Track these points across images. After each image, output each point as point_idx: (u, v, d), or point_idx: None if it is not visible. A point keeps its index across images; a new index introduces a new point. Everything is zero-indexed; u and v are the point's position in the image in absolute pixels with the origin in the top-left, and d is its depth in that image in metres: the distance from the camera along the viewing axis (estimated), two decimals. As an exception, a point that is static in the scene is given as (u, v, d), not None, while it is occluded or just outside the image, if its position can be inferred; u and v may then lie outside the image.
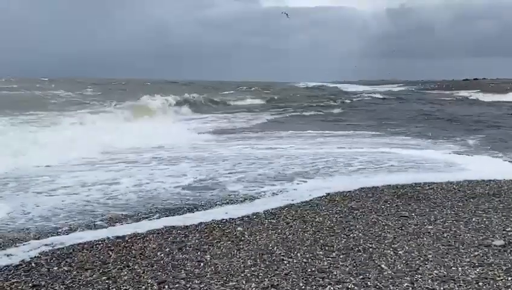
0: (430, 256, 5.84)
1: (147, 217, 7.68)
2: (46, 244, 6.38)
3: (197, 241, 6.46)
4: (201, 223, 7.29)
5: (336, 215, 7.56)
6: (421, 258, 5.76)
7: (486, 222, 7.19)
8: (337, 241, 6.38)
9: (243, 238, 6.56)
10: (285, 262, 5.69)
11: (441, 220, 7.29)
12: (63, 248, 6.25)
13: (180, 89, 54.47)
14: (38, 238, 6.65)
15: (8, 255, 5.98)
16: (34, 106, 28.43)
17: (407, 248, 6.12)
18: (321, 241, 6.38)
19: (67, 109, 28.72)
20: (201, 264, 5.66)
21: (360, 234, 6.64)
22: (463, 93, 67.42)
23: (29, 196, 9.08)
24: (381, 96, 59.42)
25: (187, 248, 6.21)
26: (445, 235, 6.62)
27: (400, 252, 5.97)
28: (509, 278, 5.18)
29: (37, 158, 12.36)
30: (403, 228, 6.95)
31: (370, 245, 6.21)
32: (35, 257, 5.96)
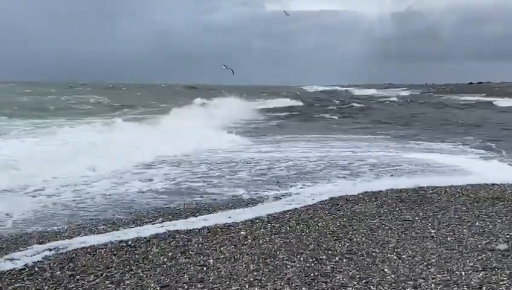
0: (434, 260, 5.82)
1: (150, 221, 7.68)
2: (49, 249, 6.39)
3: (200, 245, 6.46)
4: (204, 227, 7.29)
5: (339, 220, 7.55)
6: (425, 263, 5.75)
7: (490, 226, 7.17)
8: (340, 245, 6.37)
9: (246, 242, 6.56)
10: (288, 266, 5.68)
11: (445, 224, 7.28)
12: (66, 252, 6.25)
13: (208, 93, 54.63)
14: (41, 243, 6.65)
15: (11, 260, 5.99)
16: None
17: (410, 252, 6.11)
18: (324, 245, 6.38)
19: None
20: (205, 268, 5.66)
21: (363, 239, 6.64)
22: (473, 97, 67.14)
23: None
24: (396, 100, 59.48)
25: (190, 252, 6.21)
26: (448, 239, 6.61)
27: (403, 256, 5.96)
28: (513, 283, 5.17)
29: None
30: (406, 232, 6.94)
31: (373, 249, 6.20)
32: (38, 261, 5.96)
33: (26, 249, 6.40)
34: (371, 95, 79.57)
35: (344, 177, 11.25)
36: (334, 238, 6.67)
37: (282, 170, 12.32)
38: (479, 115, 36.94)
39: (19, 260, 5.99)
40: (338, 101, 56.11)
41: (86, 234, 7.06)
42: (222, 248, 6.33)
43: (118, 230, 7.24)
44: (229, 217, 7.79)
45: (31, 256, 6.12)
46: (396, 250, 6.18)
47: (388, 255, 6.01)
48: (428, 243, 6.46)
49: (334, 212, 7.97)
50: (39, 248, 6.42)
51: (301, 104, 50.57)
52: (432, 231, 6.98)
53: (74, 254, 6.18)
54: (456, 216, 7.73)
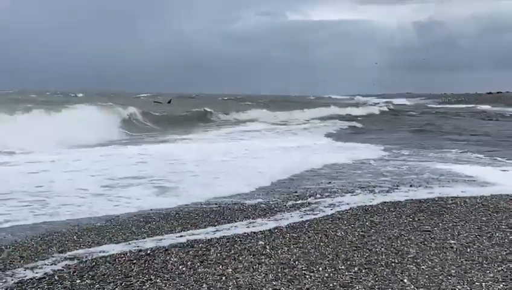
0: (453, 271, 5.79)
1: (169, 231, 7.70)
2: (69, 257, 6.43)
3: (218, 254, 6.47)
4: (223, 236, 7.30)
5: (358, 230, 7.53)
6: (444, 273, 5.72)
7: (510, 237, 7.12)
8: (359, 255, 6.35)
9: (264, 252, 6.56)
10: (307, 276, 5.68)
11: (464, 235, 7.24)
12: (86, 261, 6.29)
13: (253, 105, 55.91)
14: (61, 252, 6.70)
15: (31, 268, 6.04)
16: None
17: (430, 262, 6.08)
18: (343, 255, 6.37)
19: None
20: (223, 278, 5.67)
21: (382, 249, 6.61)
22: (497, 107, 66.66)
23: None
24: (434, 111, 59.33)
25: (209, 261, 6.22)
26: (468, 250, 6.57)
27: (422, 267, 5.94)
28: (534, 294, 5.13)
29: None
30: (426, 242, 6.91)
31: (392, 260, 6.18)
32: (58, 269, 6.01)
33: (47, 258, 6.46)
34: (414, 105, 78.98)
35: (366, 188, 11.20)
36: (353, 248, 6.65)
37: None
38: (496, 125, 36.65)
39: (40, 268, 6.04)
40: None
41: (106, 243, 7.11)
42: (241, 258, 6.33)
43: (137, 239, 7.27)
44: (247, 227, 7.80)
45: (51, 265, 6.17)
46: (415, 260, 6.15)
47: (407, 265, 5.99)
48: (448, 253, 6.43)
49: (352, 223, 7.95)
50: (59, 257, 6.47)
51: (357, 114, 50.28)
52: (452, 241, 6.95)
53: (94, 263, 6.22)
54: (476, 227, 7.68)
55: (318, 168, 14.01)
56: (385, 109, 61.57)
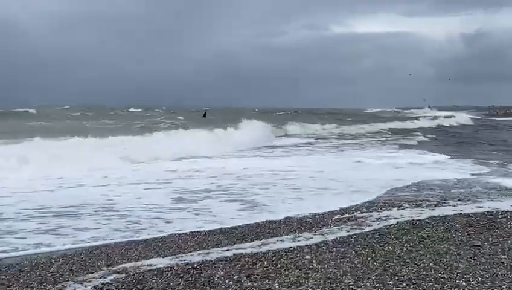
0: (505, 287, 5.67)
1: (216, 245, 7.73)
2: (117, 271, 6.51)
3: (265, 269, 6.47)
4: (269, 250, 7.30)
5: (406, 244, 7.44)
6: (495, 289, 5.61)
7: None
8: (407, 270, 6.27)
9: (311, 266, 6.53)
10: (354, 291, 5.63)
11: (515, 250, 7.09)
12: (134, 275, 6.36)
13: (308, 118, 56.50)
14: (109, 265, 6.79)
15: (80, 282, 6.13)
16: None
17: (480, 278, 5.97)
18: (391, 270, 6.29)
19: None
20: (270, 292, 5.67)
21: (431, 264, 6.51)
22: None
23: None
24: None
25: (255, 275, 6.22)
26: (520, 265, 6.43)
27: (472, 282, 5.83)
28: None
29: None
30: (475, 257, 6.78)
31: (441, 275, 6.08)
32: (107, 283, 6.08)
33: (95, 271, 6.55)
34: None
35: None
36: (401, 263, 6.57)
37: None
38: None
39: (89, 282, 6.13)
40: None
41: (153, 257, 7.17)
42: (287, 272, 6.31)
43: (184, 253, 7.32)
44: (293, 241, 7.79)
45: (100, 278, 6.26)
46: (465, 276, 6.04)
47: (457, 281, 5.89)
48: (498, 269, 6.30)
49: (400, 237, 7.85)
50: (107, 271, 6.56)
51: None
52: (503, 256, 6.81)
53: (141, 276, 6.28)
54: (528, 242, 7.51)
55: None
56: (453, 123, 60.55)
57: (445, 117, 68.71)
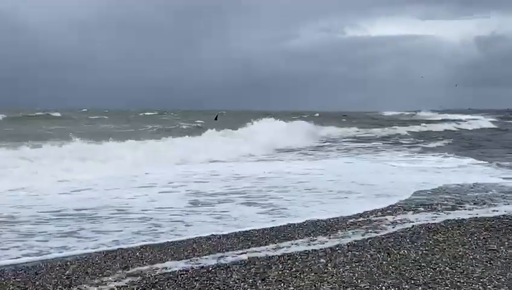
0: (522, 291, 5.64)
1: (230, 248, 7.74)
2: (132, 274, 6.53)
3: (280, 272, 6.46)
4: (284, 254, 7.29)
5: (421, 248, 7.41)
6: (512, 294, 5.58)
7: None
8: (423, 274, 6.25)
9: (326, 270, 6.52)
10: (370, 295, 5.62)
11: (532, 254, 7.04)
12: (149, 278, 6.37)
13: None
14: (125, 268, 6.81)
15: (96, 285, 6.15)
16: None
17: (496, 282, 5.93)
18: (406, 274, 6.27)
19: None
20: (285, 295, 5.66)
21: (447, 268, 6.48)
22: None
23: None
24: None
25: (270, 279, 6.22)
26: (537, 270, 6.39)
27: (489, 286, 5.80)
28: None
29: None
30: (492, 261, 6.74)
31: (457, 279, 6.05)
32: (122, 286, 6.10)
33: (111, 274, 6.57)
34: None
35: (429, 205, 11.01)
36: (417, 267, 6.55)
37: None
38: None
39: (104, 284, 6.15)
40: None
41: (168, 260, 7.18)
42: (302, 276, 6.31)
43: (199, 256, 7.33)
44: (308, 245, 7.78)
45: (115, 281, 6.27)
46: (481, 280, 6.01)
47: (473, 285, 5.86)
48: (515, 273, 6.26)
49: (415, 241, 7.82)
50: (123, 274, 6.57)
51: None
52: (519, 260, 6.76)
53: (157, 280, 6.29)
54: (544, 246, 7.46)
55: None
56: (475, 126, 60.11)
57: (465, 120, 68.43)
